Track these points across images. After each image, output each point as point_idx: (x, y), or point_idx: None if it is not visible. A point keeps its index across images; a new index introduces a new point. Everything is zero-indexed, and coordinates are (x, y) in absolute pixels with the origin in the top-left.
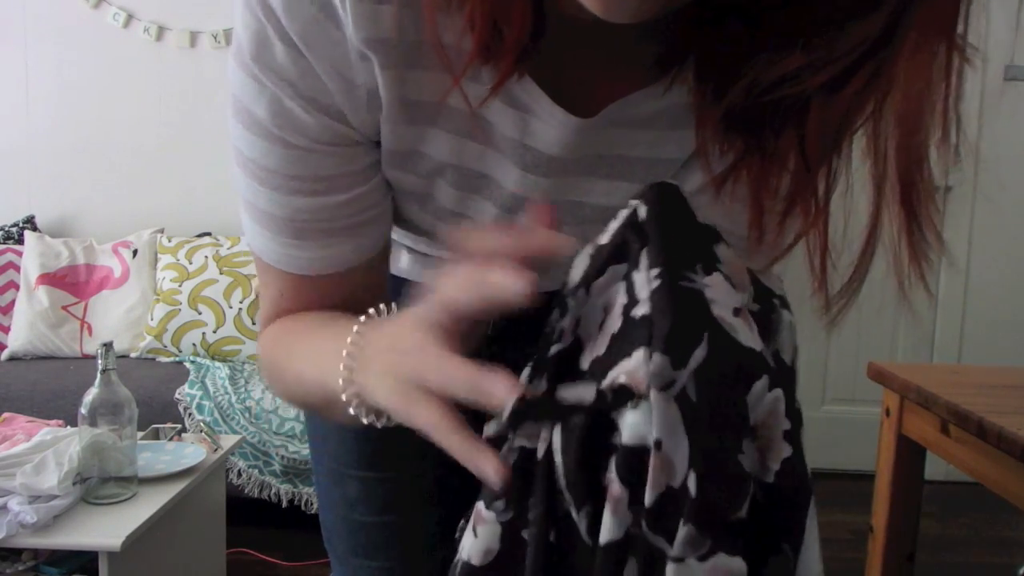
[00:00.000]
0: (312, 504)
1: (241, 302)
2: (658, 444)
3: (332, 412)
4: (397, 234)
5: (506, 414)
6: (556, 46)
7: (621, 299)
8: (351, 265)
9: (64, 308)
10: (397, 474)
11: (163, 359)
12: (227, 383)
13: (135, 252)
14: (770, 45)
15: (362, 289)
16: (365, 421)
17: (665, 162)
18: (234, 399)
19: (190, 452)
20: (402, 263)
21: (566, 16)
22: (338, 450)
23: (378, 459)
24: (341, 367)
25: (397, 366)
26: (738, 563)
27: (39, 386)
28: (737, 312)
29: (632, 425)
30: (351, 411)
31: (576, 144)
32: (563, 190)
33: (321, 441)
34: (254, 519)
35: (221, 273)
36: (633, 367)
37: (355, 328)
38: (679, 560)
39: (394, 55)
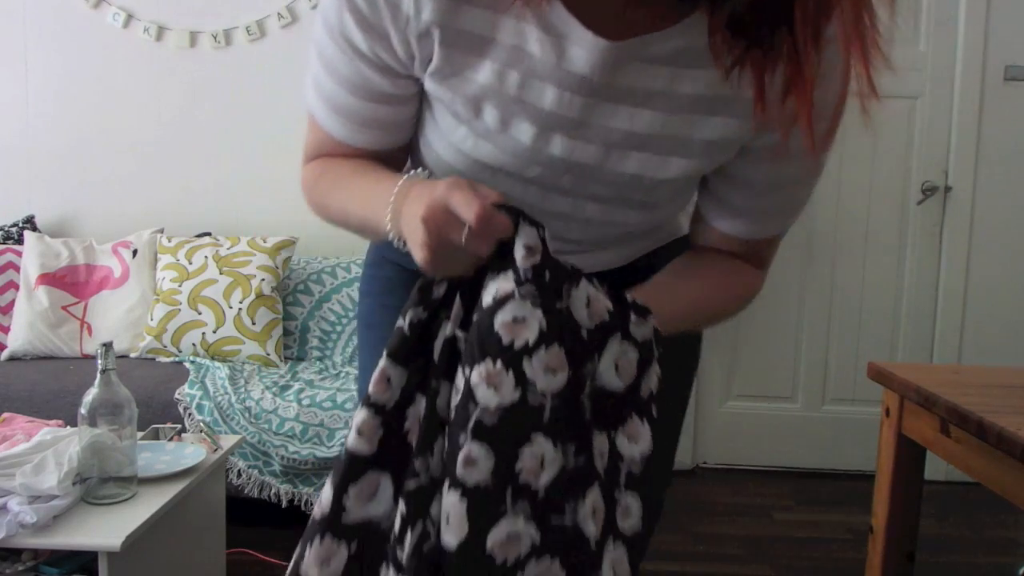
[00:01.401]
0: (312, 504)
1: (241, 302)
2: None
3: (365, 233)
4: None
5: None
6: None
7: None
8: (372, 149)
9: (64, 308)
10: None
11: (163, 359)
12: (227, 383)
13: (135, 252)
14: None
15: (379, 164)
16: (396, 243)
17: (680, 96)
18: (234, 399)
19: (190, 452)
20: None
21: None
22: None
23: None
24: (390, 199)
25: (432, 191)
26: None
27: (39, 386)
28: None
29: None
30: (388, 234)
31: (605, 66)
32: (593, 112)
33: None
34: (254, 519)
35: (221, 273)
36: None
37: (403, 178)
38: None
39: (469, 39)
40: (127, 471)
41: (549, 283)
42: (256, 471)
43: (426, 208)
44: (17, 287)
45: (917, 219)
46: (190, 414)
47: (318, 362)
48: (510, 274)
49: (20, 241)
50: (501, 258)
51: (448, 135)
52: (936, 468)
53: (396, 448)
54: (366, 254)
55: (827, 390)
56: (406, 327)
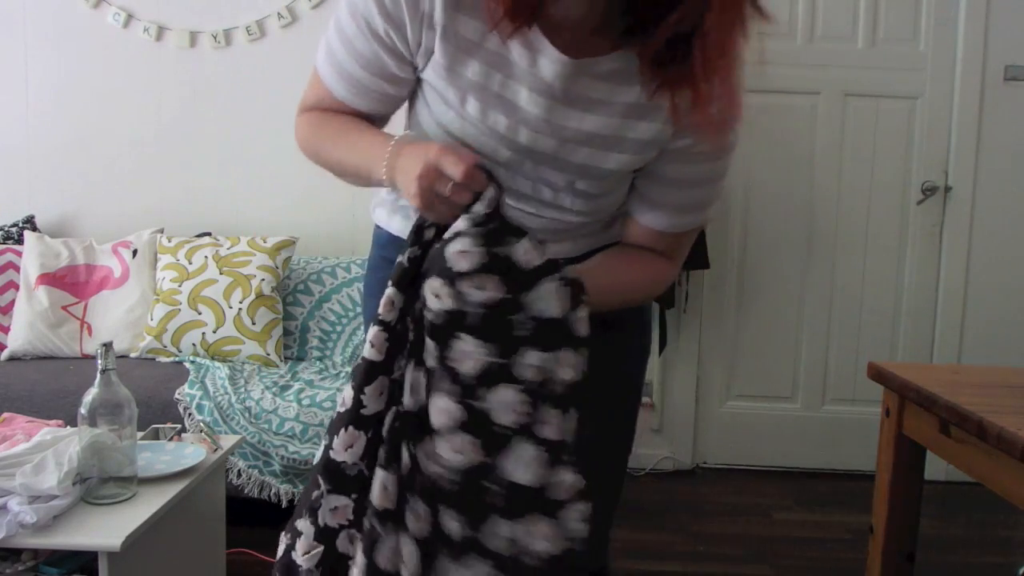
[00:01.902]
0: None
1: (241, 302)
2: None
3: (357, 180)
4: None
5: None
6: (559, 13)
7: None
8: (364, 112)
9: (64, 308)
10: None
11: (163, 359)
12: (227, 383)
13: (135, 252)
14: (664, 13)
15: (370, 124)
16: (390, 193)
17: (618, 104)
18: (234, 399)
19: (190, 452)
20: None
21: None
22: None
23: None
24: (386, 154)
25: (426, 153)
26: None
27: (39, 386)
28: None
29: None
30: (383, 181)
31: (564, 77)
32: (553, 112)
33: None
34: (254, 519)
35: (221, 273)
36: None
37: (395, 137)
38: None
39: (459, 2)
40: (127, 471)
41: (493, 230)
42: (256, 471)
43: (422, 166)
44: (17, 287)
45: (917, 219)
46: (190, 414)
47: (318, 362)
48: (468, 217)
49: (20, 241)
50: (468, 206)
51: (439, 117)
52: (936, 468)
53: (397, 355)
54: (368, 259)
55: (827, 390)
56: (405, 261)
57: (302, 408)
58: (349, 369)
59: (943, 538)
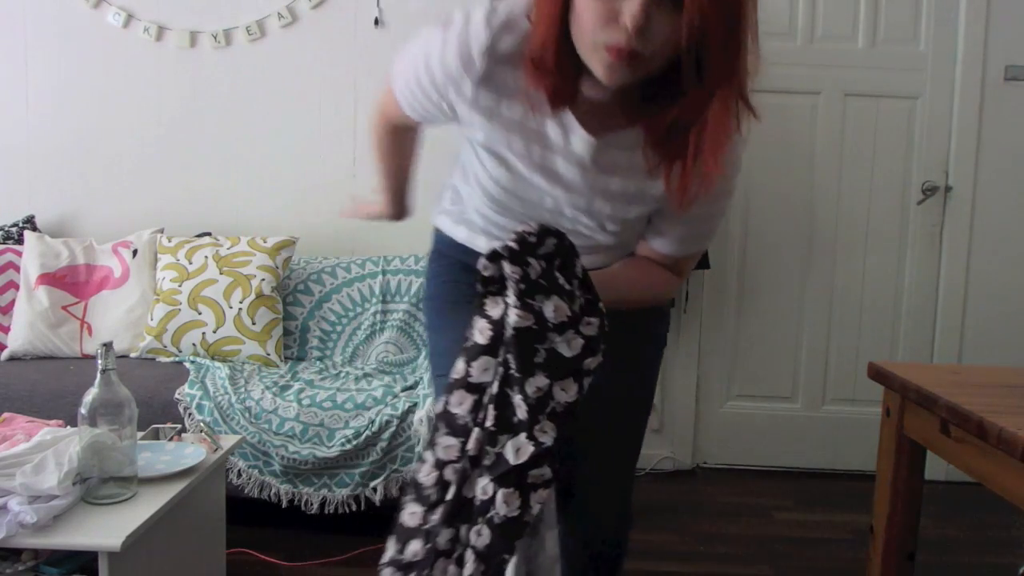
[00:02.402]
0: (312, 504)
1: (241, 302)
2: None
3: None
4: (478, 216)
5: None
6: (587, 98)
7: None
8: (415, 122)
9: (64, 308)
10: None
11: (163, 359)
12: (227, 383)
13: (135, 252)
14: (670, 100)
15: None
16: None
17: (637, 168)
18: (234, 399)
19: (190, 452)
20: (462, 234)
21: (593, 82)
22: (451, 362)
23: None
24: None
25: (373, 209)
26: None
27: (39, 386)
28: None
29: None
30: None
31: (593, 151)
32: (586, 178)
33: (437, 359)
34: (254, 519)
35: (221, 273)
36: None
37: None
38: None
39: (502, 89)
40: (127, 471)
41: (532, 288)
42: (256, 471)
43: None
44: (17, 287)
45: (917, 219)
46: (190, 414)
47: (318, 362)
48: (517, 279)
49: (20, 241)
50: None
51: (493, 175)
52: (936, 468)
53: (498, 345)
54: (431, 252)
55: (827, 390)
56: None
57: (302, 408)
58: (349, 369)
59: (943, 538)
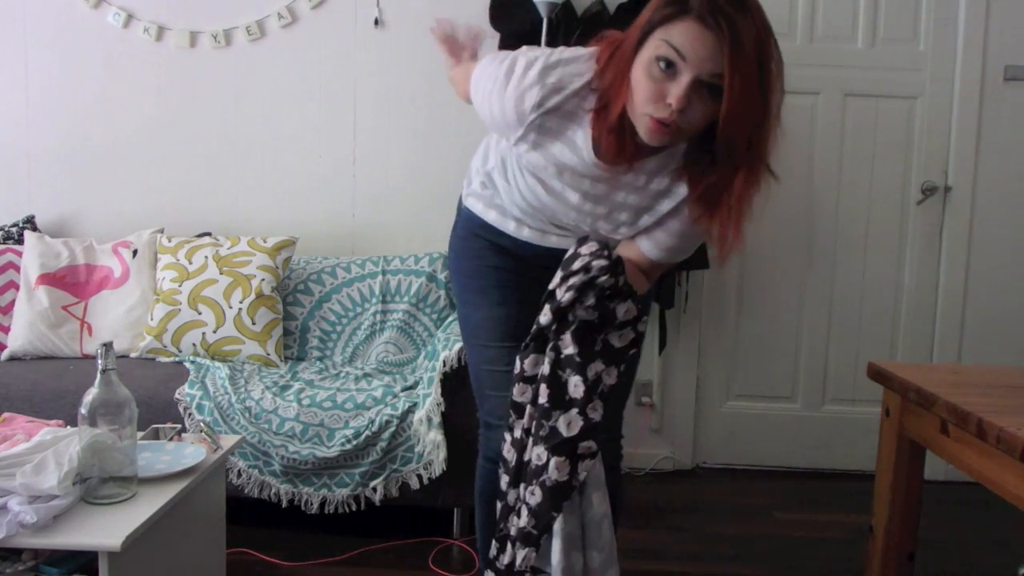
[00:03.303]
0: (312, 504)
1: (241, 302)
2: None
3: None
4: (511, 206)
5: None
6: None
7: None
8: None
9: (64, 308)
10: (514, 344)
11: (163, 359)
12: (227, 383)
13: (135, 252)
14: (705, 150)
15: None
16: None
17: (652, 189)
18: (234, 399)
19: (190, 452)
20: (511, 226)
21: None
22: (484, 333)
23: (505, 337)
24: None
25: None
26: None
27: (39, 386)
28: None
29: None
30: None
31: (620, 173)
32: (607, 193)
33: (472, 329)
34: (254, 519)
35: (221, 273)
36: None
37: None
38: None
39: (547, 132)
40: (127, 471)
41: (610, 294)
42: (256, 471)
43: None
44: (17, 287)
45: (917, 219)
46: (190, 414)
47: (318, 362)
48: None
49: (20, 241)
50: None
51: (529, 183)
52: (936, 468)
53: (546, 339)
54: (456, 228)
55: (827, 390)
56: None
57: (302, 408)
58: (349, 369)
59: (943, 538)
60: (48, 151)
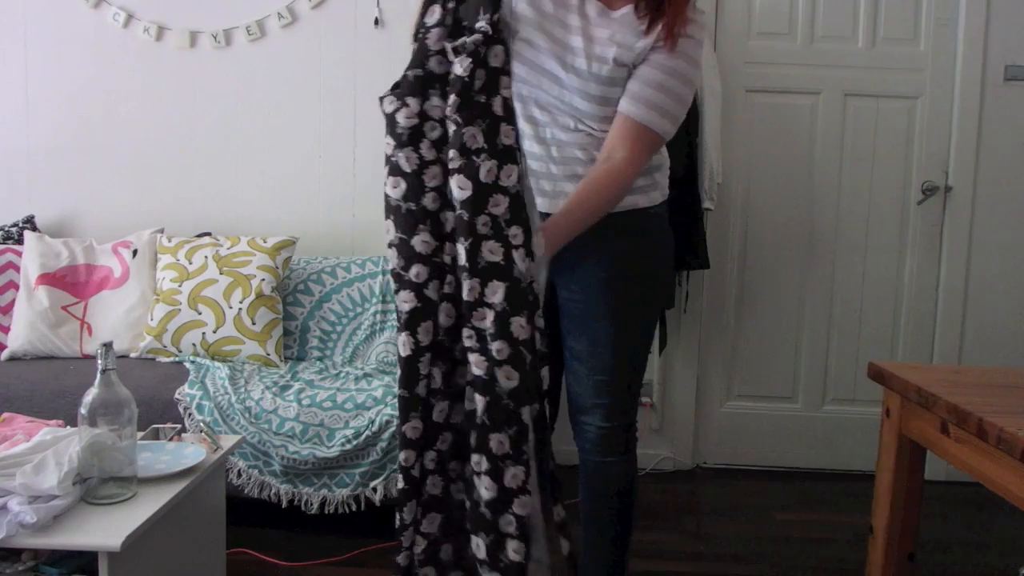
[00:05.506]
0: (312, 504)
1: (241, 302)
2: None
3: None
4: None
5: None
6: None
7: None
8: None
9: (64, 308)
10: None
11: (163, 359)
12: (227, 383)
13: (135, 252)
14: None
15: None
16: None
17: (628, 29)
18: (234, 399)
19: (190, 452)
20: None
21: None
22: None
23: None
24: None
25: None
26: None
27: (39, 386)
28: None
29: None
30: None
31: (599, 25)
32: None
33: None
34: (254, 519)
35: (221, 273)
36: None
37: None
38: None
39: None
40: (127, 471)
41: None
42: (256, 471)
43: None
44: (17, 287)
45: (917, 219)
46: (190, 414)
47: (318, 362)
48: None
49: (20, 241)
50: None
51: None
52: (936, 468)
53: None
54: None
55: (827, 390)
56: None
57: (302, 408)
58: (349, 369)
59: (943, 538)
60: (48, 151)
